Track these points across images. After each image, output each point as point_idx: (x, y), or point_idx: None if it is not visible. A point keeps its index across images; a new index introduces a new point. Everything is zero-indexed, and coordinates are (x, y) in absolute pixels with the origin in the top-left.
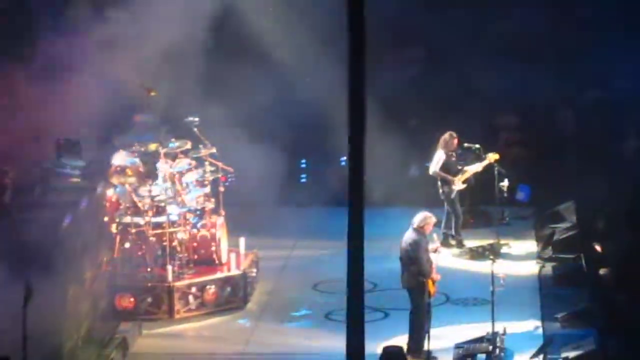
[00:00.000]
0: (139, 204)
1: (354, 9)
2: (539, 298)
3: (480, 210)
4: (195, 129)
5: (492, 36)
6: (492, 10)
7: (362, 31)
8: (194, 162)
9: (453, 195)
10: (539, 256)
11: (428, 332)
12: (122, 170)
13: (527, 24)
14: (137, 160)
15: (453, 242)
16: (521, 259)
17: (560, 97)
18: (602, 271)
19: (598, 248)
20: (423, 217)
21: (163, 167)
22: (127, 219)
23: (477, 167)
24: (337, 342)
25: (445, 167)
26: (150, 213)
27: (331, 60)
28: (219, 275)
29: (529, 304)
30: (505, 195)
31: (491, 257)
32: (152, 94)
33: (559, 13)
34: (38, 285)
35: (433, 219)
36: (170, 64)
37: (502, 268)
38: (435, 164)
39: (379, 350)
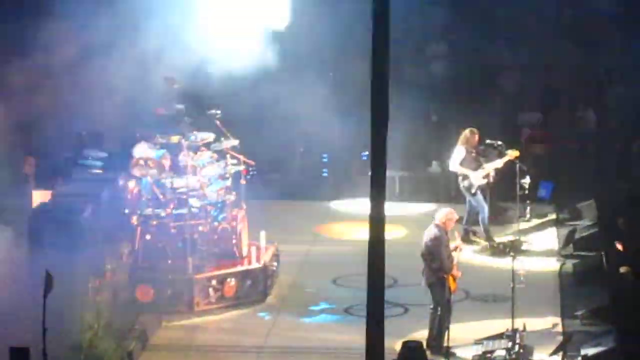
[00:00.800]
0: (161, 196)
1: (379, 2)
2: (559, 295)
3: (501, 207)
4: (218, 122)
5: (515, 31)
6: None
7: (387, 26)
8: (215, 155)
9: (474, 190)
10: (559, 253)
11: (448, 328)
12: (144, 162)
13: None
14: (159, 152)
15: (475, 238)
16: (542, 256)
17: (583, 94)
18: (622, 269)
19: (619, 246)
20: (445, 213)
21: (185, 159)
22: (149, 211)
23: (497, 164)
24: (357, 337)
25: (466, 163)
26: (171, 205)
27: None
28: (239, 268)
29: (549, 301)
30: (527, 192)
31: (512, 253)
32: (175, 86)
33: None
34: (58, 276)
35: (455, 216)
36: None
37: (522, 265)
38: (455, 160)
39: (399, 346)
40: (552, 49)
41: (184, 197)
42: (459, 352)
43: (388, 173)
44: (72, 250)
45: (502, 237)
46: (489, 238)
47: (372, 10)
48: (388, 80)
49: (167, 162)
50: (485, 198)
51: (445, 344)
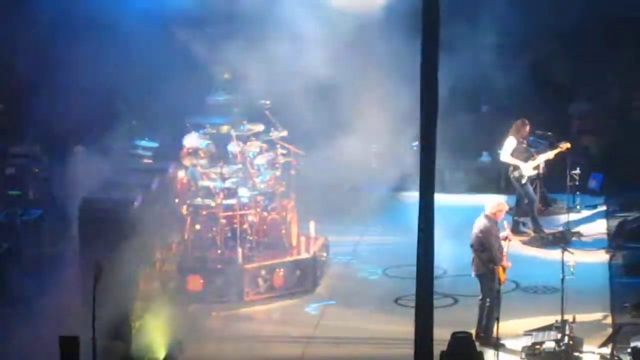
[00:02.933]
0: (210, 186)
1: None
2: (609, 287)
3: (551, 198)
4: (267, 112)
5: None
6: None
7: (436, 17)
8: (265, 145)
9: (524, 181)
10: (609, 245)
11: (497, 319)
12: (194, 152)
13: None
14: (209, 142)
15: (524, 229)
16: (592, 247)
17: (633, 85)
18: None
19: None
20: (495, 204)
21: (234, 149)
22: (198, 201)
23: (548, 155)
24: (406, 328)
25: (516, 153)
26: (221, 195)
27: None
28: (288, 258)
29: (598, 293)
30: (577, 183)
31: (562, 245)
32: (226, 76)
33: None
34: (109, 265)
35: (505, 207)
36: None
37: (572, 256)
38: (506, 150)
39: (448, 336)
40: (603, 39)
41: (234, 187)
42: (508, 343)
43: (438, 164)
44: (122, 240)
45: (552, 228)
46: (537, 229)
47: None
48: (437, 70)
49: (213, 152)
50: (535, 189)
51: (494, 335)
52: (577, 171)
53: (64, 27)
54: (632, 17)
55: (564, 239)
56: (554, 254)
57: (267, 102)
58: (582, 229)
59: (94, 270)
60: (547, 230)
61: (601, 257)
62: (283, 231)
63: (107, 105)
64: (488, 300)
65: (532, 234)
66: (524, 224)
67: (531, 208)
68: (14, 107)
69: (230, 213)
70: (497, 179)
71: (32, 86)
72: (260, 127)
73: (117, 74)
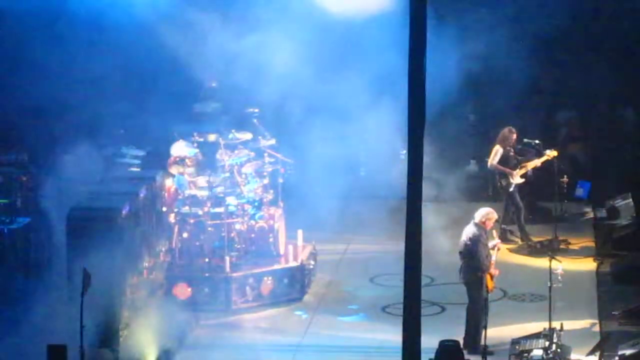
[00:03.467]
0: (198, 194)
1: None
2: (597, 295)
3: (539, 206)
4: (255, 120)
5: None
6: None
7: (423, 26)
8: (253, 154)
9: (511, 189)
10: (597, 253)
11: (485, 327)
12: (181, 160)
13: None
14: (197, 150)
15: (512, 237)
16: (579, 255)
17: (621, 93)
18: None
19: None
20: (485, 212)
21: (222, 157)
22: (186, 209)
23: (535, 163)
24: (394, 336)
25: (503, 161)
26: (208, 203)
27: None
28: (276, 266)
29: (586, 301)
30: (564, 191)
31: (549, 253)
32: (213, 84)
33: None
34: (96, 273)
35: (494, 215)
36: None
37: (560, 264)
38: (493, 158)
39: (436, 344)
40: (590, 46)
41: (221, 195)
42: (495, 351)
43: (425, 172)
44: (109, 248)
45: (540, 236)
46: (524, 237)
47: (410, 11)
48: (424, 79)
49: (200, 160)
50: (522, 197)
51: (482, 343)
52: (565, 179)
53: (48, 30)
54: (620, 25)
55: (551, 247)
56: (542, 262)
57: (255, 110)
58: (570, 237)
59: (81, 279)
60: (534, 239)
61: (589, 265)
62: (271, 239)
63: (92, 113)
64: (476, 308)
65: (520, 242)
66: (512, 232)
67: (518, 216)
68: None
69: (217, 221)
70: (485, 187)
71: (16, 94)
72: (248, 136)
73: (104, 82)
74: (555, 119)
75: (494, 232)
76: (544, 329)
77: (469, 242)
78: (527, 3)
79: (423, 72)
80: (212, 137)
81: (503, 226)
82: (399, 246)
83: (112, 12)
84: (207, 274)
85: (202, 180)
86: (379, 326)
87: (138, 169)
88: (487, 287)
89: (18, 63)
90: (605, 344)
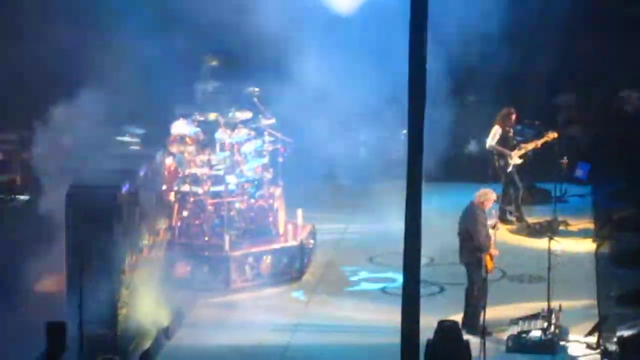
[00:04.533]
0: (198, 173)
1: None
2: (596, 277)
3: (538, 187)
4: (256, 99)
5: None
6: None
7: (425, 8)
8: (253, 133)
9: (510, 169)
10: (596, 234)
11: (484, 307)
12: (181, 139)
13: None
14: (197, 129)
15: (511, 217)
16: (579, 236)
17: (620, 74)
18: None
19: None
20: (483, 192)
21: (222, 136)
22: (186, 188)
23: (535, 144)
24: (393, 316)
25: (503, 142)
26: (208, 182)
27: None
28: (275, 245)
29: (585, 282)
30: (564, 172)
31: (549, 234)
32: (214, 63)
33: None
34: (95, 251)
35: (493, 195)
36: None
37: (559, 245)
38: (492, 138)
39: (435, 324)
40: (591, 29)
41: (221, 174)
42: (494, 331)
43: (425, 152)
44: (109, 226)
45: (539, 217)
46: (520, 217)
47: None
48: (425, 61)
49: (201, 139)
50: (521, 178)
51: (481, 324)
52: (564, 160)
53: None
54: (620, 8)
55: (551, 228)
56: (541, 243)
57: (256, 89)
58: (569, 218)
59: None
60: (534, 219)
61: (588, 246)
62: (270, 218)
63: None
64: (475, 288)
65: (516, 221)
66: (511, 213)
67: (516, 196)
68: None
69: (217, 200)
70: (485, 168)
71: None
72: (248, 115)
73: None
74: (556, 101)
75: (493, 212)
76: (543, 309)
77: (468, 223)
78: None
79: (424, 55)
80: (212, 116)
81: (502, 206)
82: (399, 226)
83: None
84: (206, 253)
85: (202, 159)
86: (377, 306)
87: (138, 148)
88: (486, 267)
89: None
90: (603, 325)
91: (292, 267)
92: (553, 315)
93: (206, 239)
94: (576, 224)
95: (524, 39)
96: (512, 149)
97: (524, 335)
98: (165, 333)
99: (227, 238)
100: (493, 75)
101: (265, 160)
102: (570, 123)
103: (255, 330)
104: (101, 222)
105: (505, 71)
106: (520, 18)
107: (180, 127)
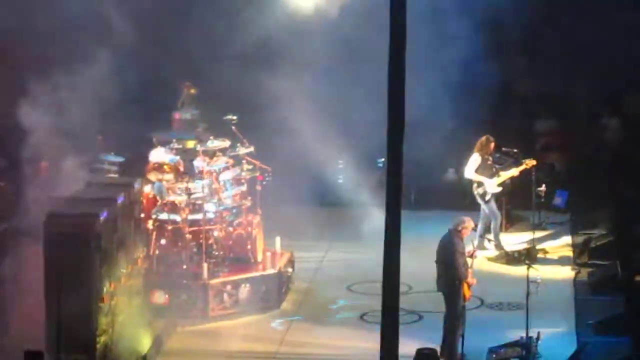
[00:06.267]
0: (176, 201)
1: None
2: (574, 304)
3: (517, 215)
4: (234, 128)
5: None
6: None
7: (403, 34)
8: (231, 161)
9: (488, 197)
10: (574, 262)
11: (462, 335)
12: (159, 167)
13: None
14: (175, 157)
15: (489, 246)
16: (557, 264)
17: (599, 101)
18: (638, 278)
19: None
20: (461, 220)
21: (200, 164)
22: (164, 216)
23: (513, 172)
24: (372, 344)
25: (481, 170)
26: (187, 210)
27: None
28: (254, 274)
29: (563, 310)
30: (542, 200)
31: (527, 262)
32: (192, 91)
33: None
34: (74, 280)
35: (471, 223)
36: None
37: (538, 273)
38: (470, 167)
39: (413, 353)
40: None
41: (200, 202)
42: (473, 359)
43: (404, 180)
44: (87, 255)
45: (518, 245)
46: (498, 246)
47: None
48: (404, 86)
49: (179, 167)
50: (500, 206)
51: (459, 352)
52: (543, 188)
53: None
54: (599, 33)
55: (529, 256)
56: (520, 271)
57: (234, 117)
58: (548, 246)
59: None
60: (512, 248)
61: (566, 274)
62: (249, 246)
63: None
64: (453, 316)
65: (495, 250)
66: (489, 241)
67: (495, 225)
68: None
69: (196, 228)
70: (463, 196)
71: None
72: (226, 143)
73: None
74: (534, 128)
75: (471, 241)
76: (521, 337)
77: (446, 251)
78: (505, 9)
79: (402, 80)
80: (190, 144)
81: (480, 235)
82: (377, 254)
83: None
84: (184, 281)
85: (180, 187)
86: (356, 334)
87: (116, 176)
88: (464, 295)
89: None
90: (581, 353)
91: (271, 296)
92: (531, 344)
93: (184, 267)
94: (555, 252)
95: (503, 65)
96: (491, 177)
97: None
98: None
99: (205, 266)
100: (472, 102)
101: (244, 188)
102: (549, 150)
103: (234, 359)
104: (79, 250)
105: (483, 98)
106: (499, 43)
107: (158, 155)
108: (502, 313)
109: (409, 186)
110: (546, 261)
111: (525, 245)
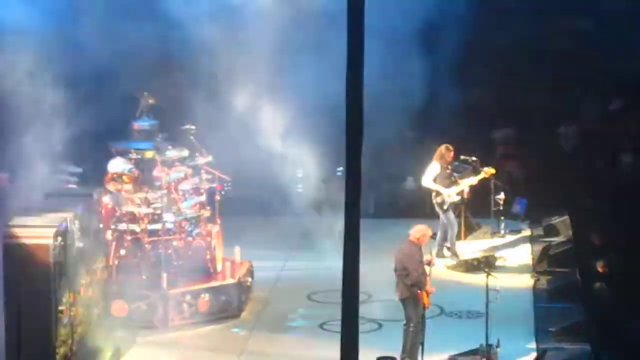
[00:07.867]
0: (135, 211)
1: (353, 19)
2: (533, 312)
3: (475, 223)
4: (192, 137)
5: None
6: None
7: (361, 42)
8: (190, 170)
9: (446, 207)
10: (534, 270)
11: (422, 343)
12: (118, 177)
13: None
14: (134, 167)
15: (448, 254)
16: (516, 272)
17: (557, 110)
18: (596, 285)
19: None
20: (419, 229)
21: (159, 174)
22: (123, 226)
23: (472, 180)
24: (331, 353)
25: (440, 179)
26: (145, 220)
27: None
28: (213, 283)
29: (523, 318)
30: (501, 208)
31: (486, 270)
32: (150, 101)
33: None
34: (33, 292)
35: (429, 232)
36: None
37: (497, 281)
38: (428, 176)
39: None
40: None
41: (158, 212)
42: None
43: (362, 189)
44: (45, 266)
45: (477, 253)
46: (454, 255)
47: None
48: (362, 93)
49: (138, 177)
50: (459, 214)
51: None
52: (501, 196)
53: None
54: (556, 45)
55: (488, 264)
56: (479, 279)
57: (192, 127)
58: (507, 253)
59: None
60: (471, 255)
61: (525, 281)
62: (208, 256)
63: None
64: (412, 325)
65: (453, 258)
66: (448, 249)
67: (452, 234)
68: None
69: (155, 238)
70: (422, 204)
71: None
72: (185, 153)
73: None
74: (493, 137)
75: (430, 249)
76: (481, 345)
77: (404, 259)
78: (467, 20)
79: (360, 89)
80: (149, 154)
81: (439, 243)
82: (336, 263)
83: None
84: (144, 291)
85: (139, 197)
86: (316, 343)
87: (75, 186)
88: (423, 303)
89: None
90: None
91: (231, 305)
92: (491, 351)
93: (144, 277)
94: (514, 260)
95: (461, 74)
96: (449, 185)
97: None
98: None
99: (164, 276)
100: (431, 111)
101: (203, 198)
102: (507, 158)
103: None
104: (37, 262)
105: (442, 107)
106: (458, 51)
107: (116, 165)
108: (461, 321)
109: (368, 194)
110: (505, 269)
111: (484, 253)
